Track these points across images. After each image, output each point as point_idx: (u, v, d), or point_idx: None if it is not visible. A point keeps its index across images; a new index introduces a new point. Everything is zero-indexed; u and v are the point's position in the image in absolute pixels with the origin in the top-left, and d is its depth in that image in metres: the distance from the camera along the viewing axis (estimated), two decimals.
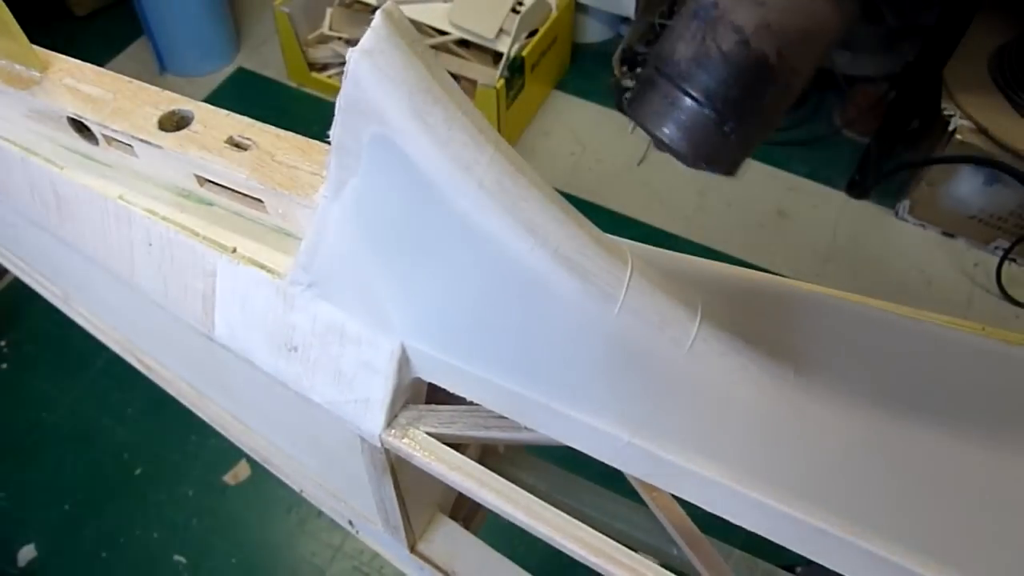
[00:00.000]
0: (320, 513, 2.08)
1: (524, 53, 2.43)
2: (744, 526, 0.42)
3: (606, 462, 0.45)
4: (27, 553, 1.96)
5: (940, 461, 0.39)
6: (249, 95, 2.79)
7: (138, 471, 2.11)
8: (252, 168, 0.50)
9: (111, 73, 0.58)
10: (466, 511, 0.72)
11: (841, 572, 0.40)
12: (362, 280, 0.47)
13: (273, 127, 0.53)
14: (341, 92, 0.38)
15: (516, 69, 2.43)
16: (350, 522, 0.72)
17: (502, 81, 2.37)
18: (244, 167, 0.51)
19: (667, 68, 0.53)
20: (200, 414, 0.78)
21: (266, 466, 0.76)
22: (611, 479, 0.72)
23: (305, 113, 2.74)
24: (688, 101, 0.52)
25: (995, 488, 0.39)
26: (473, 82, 2.42)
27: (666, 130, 0.54)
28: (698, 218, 2.48)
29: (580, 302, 0.41)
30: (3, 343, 2.28)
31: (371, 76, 0.37)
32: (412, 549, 0.64)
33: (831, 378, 0.42)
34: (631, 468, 0.44)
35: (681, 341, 0.41)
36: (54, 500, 2.03)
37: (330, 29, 2.62)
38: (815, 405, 0.41)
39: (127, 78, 0.57)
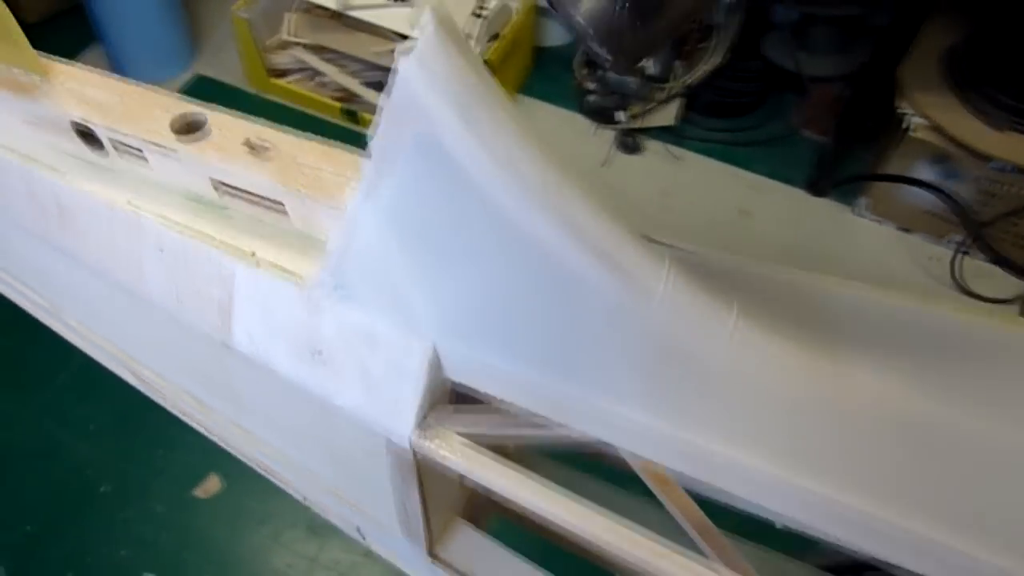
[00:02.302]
0: (295, 524, 2.05)
1: (487, 57, 2.43)
2: (783, 513, 0.43)
3: (646, 456, 0.46)
4: None
5: (975, 444, 0.40)
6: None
7: (103, 488, 2.05)
8: (275, 172, 0.50)
9: (115, 77, 0.56)
10: (476, 514, 0.72)
11: (878, 556, 0.41)
12: (393, 282, 0.47)
13: (291, 130, 0.53)
14: (390, 94, 0.38)
15: None
16: (358, 529, 0.71)
17: None
18: (266, 171, 0.50)
19: None
20: (199, 427, 0.76)
21: (268, 476, 0.75)
22: (621, 478, 0.72)
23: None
24: None
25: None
26: None
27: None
28: (662, 218, 2.50)
29: (620, 297, 0.42)
30: None
31: (421, 77, 0.37)
32: (431, 554, 0.64)
33: (866, 368, 0.43)
34: (673, 461, 0.44)
35: (719, 334, 0.42)
36: (17, 521, 1.97)
37: (290, 35, 2.59)
38: (852, 393, 0.42)
39: (133, 82, 0.56)
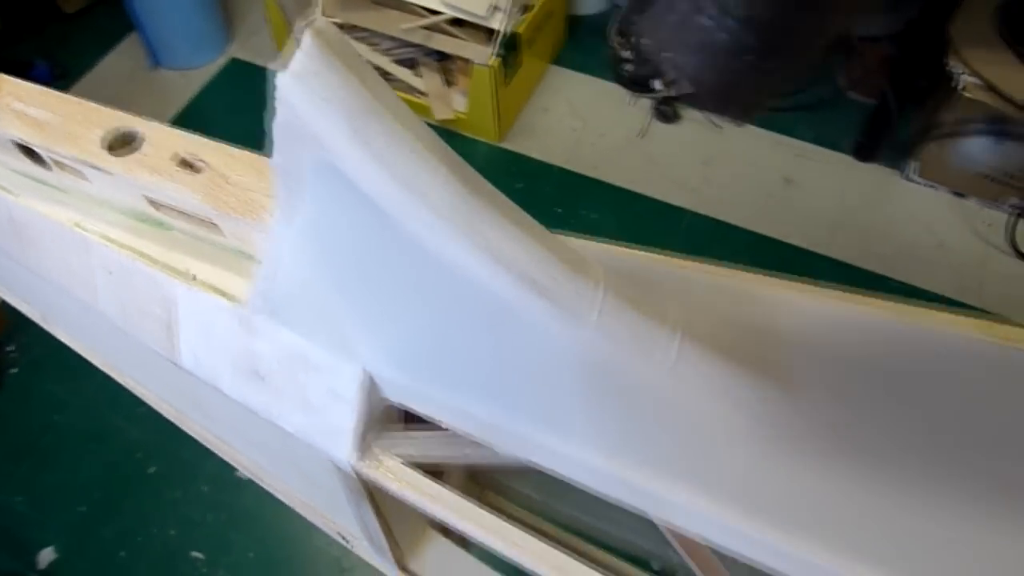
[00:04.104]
0: None
1: (519, 29, 2.38)
2: (730, 553, 0.40)
3: (588, 489, 0.43)
4: (47, 555, 1.97)
5: (934, 482, 0.37)
6: (243, 85, 2.75)
7: (152, 469, 2.11)
8: (204, 192, 0.48)
9: (58, 94, 0.55)
10: None
11: None
12: (322, 306, 0.45)
13: (226, 144, 0.51)
14: (275, 117, 0.36)
15: (511, 46, 2.38)
16: (342, 536, 0.70)
17: (497, 59, 2.32)
18: (196, 191, 0.48)
19: None
20: (186, 430, 0.76)
21: (257, 482, 0.75)
22: None
23: None
24: (704, 20, 0.40)
25: (991, 507, 0.36)
26: (468, 62, 2.37)
27: (673, 54, 0.42)
28: (704, 189, 2.43)
29: (549, 325, 0.39)
30: (11, 348, 2.28)
31: (305, 100, 0.34)
32: (401, 567, 0.63)
33: (820, 394, 0.39)
34: (612, 494, 0.42)
35: (661, 362, 0.39)
36: (71, 501, 2.04)
37: (323, 15, 2.58)
38: (803, 425, 0.38)
39: (76, 99, 0.54)
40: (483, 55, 2.34)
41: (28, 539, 1.99)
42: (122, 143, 0.51)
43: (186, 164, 0.49)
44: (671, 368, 0.39)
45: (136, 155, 0.50)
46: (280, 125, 0.36)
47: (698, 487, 0.39)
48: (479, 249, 0.37)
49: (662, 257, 0.47)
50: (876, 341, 0.40)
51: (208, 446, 0.76)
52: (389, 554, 0.60)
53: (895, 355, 0.40)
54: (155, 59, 2.77)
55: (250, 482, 2.22)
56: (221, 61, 2.82)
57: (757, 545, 0.38)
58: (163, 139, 0.51)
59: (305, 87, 0.34)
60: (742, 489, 0.39)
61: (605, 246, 0.47)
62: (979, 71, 2.00)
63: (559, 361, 0.40)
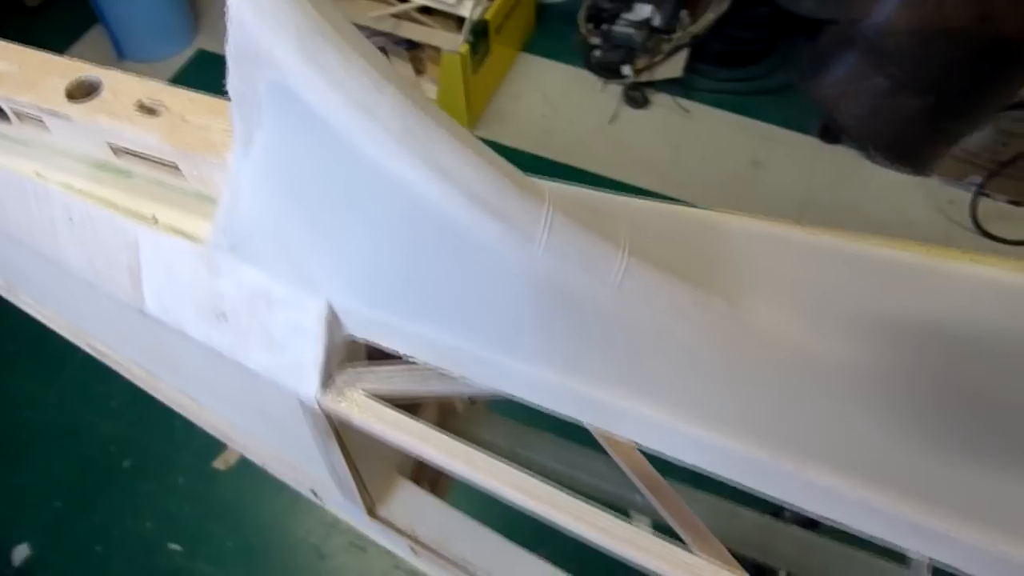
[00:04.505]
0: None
1: (487, 16, 2.39)
2: (684, 462, 0.41)
3: (544, 408, 0.44)
4: (21, 552, 1.95)
5: (877, 385, 0.38)
6: (211, 77, 2.68)
7: (126, 463, 2.09)
8: (162, 132, 0.49)
9: (16, 46, 0.56)
10: (431, 474, 0.72)
11: (784, 501, 0.39)
12: (282, 239, 0.45)
13: (186, 90, 0.52)
14: (228, 39, 0.37)
15: (480, 33, 2.39)
16: (313, 492, 0.71)
17: (466, 46, 2.33)
18: (154, 131, 0.49)
19: (865, 35, 0.40)
20: (156, 395, 0.76)
21: (227, 443, 0.75)
22: (573, 431, 0.71)
23: None
24: (892, 84, 0.39)
25: (939, 410, 0.38)
26: (437, 50, 2.38)
27: (855, 117, 0.41)
28: (673, 173, 2.46)
29: (501, 246, 0.40)
30: None
31: (256, 19, 0.35)
32: (371, 514, 0.63)
33: (764, 308, 0.40)
34: (568, 411, 0.43)
35: (608, 278, 0.40)
36: (45, 498, 2.02)
37: None
38: (748, 336, 0.40)
39: (33, 49, 0.55)
40: (452, 42, 2.35)
41: (1, 537, 1.97)
42: (83, 91, 0.52)
43: (145, 108, 0.50)
44: (618, 284, 0.40)
45: (96, 101, 0.51)
46: (232, 46, 0.37)
47: (647, 398, 0.41)
48: (430, 168, 0.38)
49: (610, 193, 0.48)
50: (824, 259, 0.42)
51: (178, 409, 0.76)
52: (359, 500, 0.61)
53: (844, 272, 0.41)
54: (120, 51, 2.75)
55: (227, 474, 2.21)
56: (188, 53, 2.80)
57: (708, 452, 0.40)
58: (123, 86, 0.52)
59: (255, 5, 0.34)
60: (689, 398, 0.40)
61: (556, 183, 0.48)
62: None
63: (511, 281, 0.41)
